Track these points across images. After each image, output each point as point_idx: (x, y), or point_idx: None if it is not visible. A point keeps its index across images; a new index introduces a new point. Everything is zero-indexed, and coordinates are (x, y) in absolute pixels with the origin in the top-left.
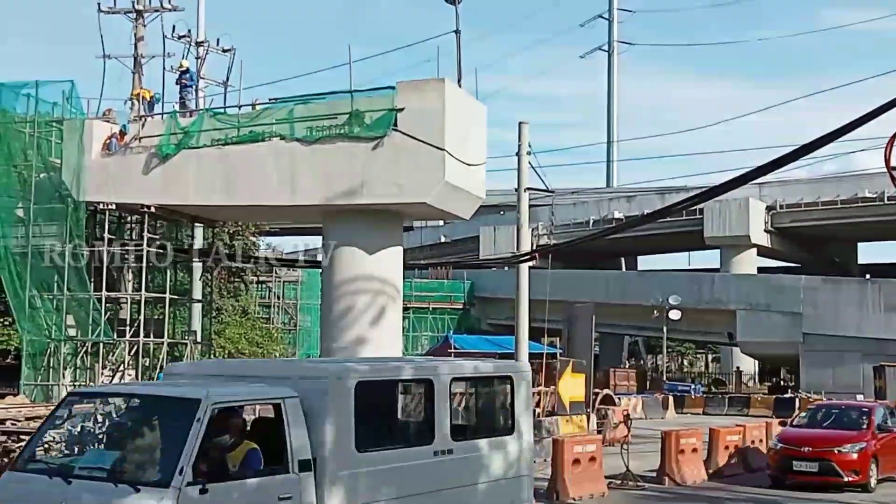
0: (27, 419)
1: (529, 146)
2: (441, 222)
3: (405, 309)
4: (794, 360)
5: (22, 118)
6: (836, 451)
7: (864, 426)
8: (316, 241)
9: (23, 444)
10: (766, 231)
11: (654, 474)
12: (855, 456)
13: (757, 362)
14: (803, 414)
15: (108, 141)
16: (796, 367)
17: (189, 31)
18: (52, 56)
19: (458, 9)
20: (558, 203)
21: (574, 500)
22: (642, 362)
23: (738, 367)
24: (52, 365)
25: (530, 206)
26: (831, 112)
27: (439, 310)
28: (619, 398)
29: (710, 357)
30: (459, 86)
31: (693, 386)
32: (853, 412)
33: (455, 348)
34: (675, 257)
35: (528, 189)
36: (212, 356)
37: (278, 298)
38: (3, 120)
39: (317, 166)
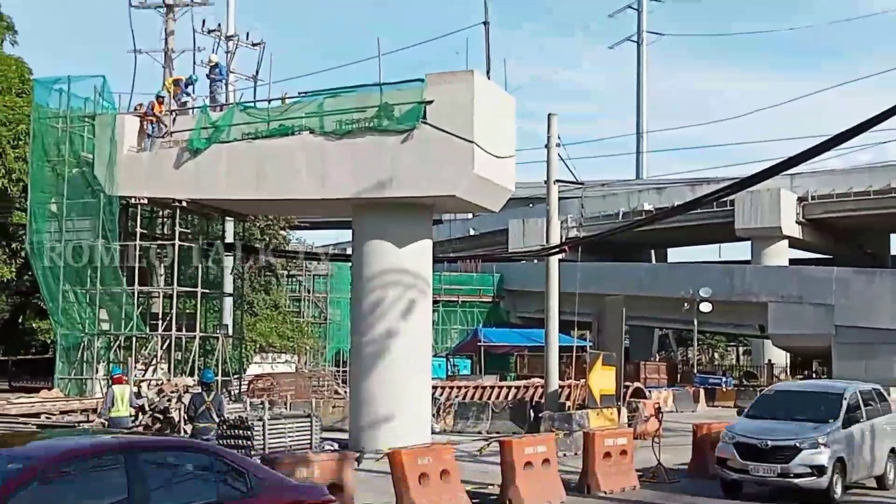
0: (61, 413)
1: (559, 138)
2: (470, 215)
3: (434, 302)
4: (826, 352)
5: (55, 113)
6: None
7: None
8: (346, 235)
9: None
10: (797, 222)
11: (686, 467)
12: None
13: (789, 355)
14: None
15: (143, 115)
16: (828, 360)
17: (219, 25)
18: (84, 52)
19: (486, 1)
20: (588, 195)
21: (605, 493)
22: (673, 355)
23: (769, 360)
24: (85, 359)
25: (560, 198)
26: (864, 101)
27: (469, 303)
28: (649, 391)
29: (741, 350)
30: (488, 77)
31: (724, 379)
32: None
33: (485, 341)
34: (706, 249)
35: (558, 181)
36: (243, 350)
37: (308, 292)
38: (37, 116)
39: (346, 160)
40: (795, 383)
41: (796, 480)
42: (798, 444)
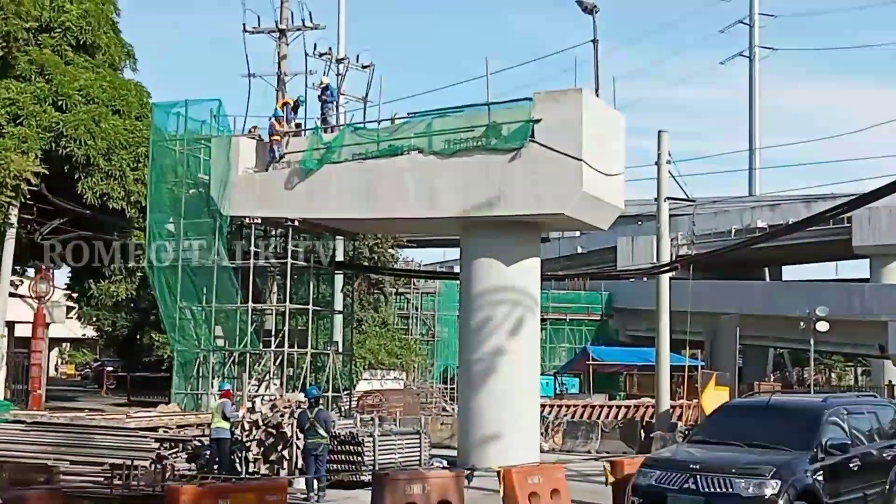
0: (178, 427)
1: (669, 155)
2: (577, 233)
3: (542, 320)
4: None
5: (172, 136)
6: None
7: None
8: (454, 253)
9: (175, 450)
10: None
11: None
12: None
13: None
14: None
15: (275, 136)
16: None
17: (330, 48)
18: (200, 76)
19: (595, 18)
20: (699, 212)
21: None
22: (788, 375)
23: (890, 381)
24: (201, 374)
25: (670, 215)
26: None
27: (577, 321)
28: None
29: (859, 370)
30: (597, 95)
31: None
32: None
33: (594, 359)
34: (822, 267)
35: (669, 198)
36: (353, 367)
37: (416, 310)
38: (155, 139)
39: (455, 179)
40: None
41: None
42: None
